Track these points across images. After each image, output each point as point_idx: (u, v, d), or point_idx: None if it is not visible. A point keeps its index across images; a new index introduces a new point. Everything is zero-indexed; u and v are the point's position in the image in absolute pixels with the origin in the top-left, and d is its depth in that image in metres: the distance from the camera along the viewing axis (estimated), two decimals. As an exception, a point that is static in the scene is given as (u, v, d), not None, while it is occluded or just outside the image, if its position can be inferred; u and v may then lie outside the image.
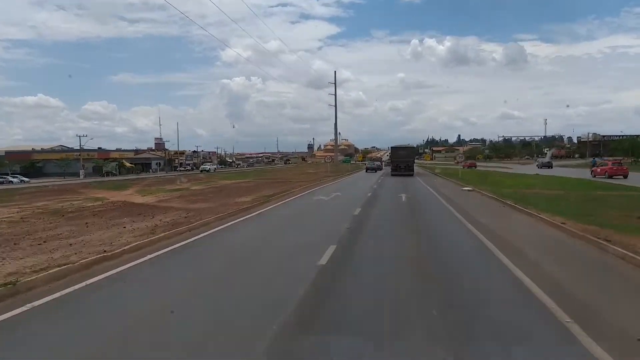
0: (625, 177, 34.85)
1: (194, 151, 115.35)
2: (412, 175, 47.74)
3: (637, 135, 79.66)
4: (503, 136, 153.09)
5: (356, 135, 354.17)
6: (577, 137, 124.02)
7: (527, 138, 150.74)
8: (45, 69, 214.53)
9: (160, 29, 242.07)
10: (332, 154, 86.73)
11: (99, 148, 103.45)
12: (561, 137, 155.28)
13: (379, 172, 60.72)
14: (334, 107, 72.07)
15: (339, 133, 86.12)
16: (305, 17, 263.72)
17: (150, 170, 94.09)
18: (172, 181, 47.42)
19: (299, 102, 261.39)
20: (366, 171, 65.76)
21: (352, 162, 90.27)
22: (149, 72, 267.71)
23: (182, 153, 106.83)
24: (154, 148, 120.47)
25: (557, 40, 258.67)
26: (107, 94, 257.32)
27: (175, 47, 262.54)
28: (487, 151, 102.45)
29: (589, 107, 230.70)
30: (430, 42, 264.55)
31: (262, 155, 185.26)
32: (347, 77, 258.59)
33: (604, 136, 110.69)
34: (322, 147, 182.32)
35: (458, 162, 36.76)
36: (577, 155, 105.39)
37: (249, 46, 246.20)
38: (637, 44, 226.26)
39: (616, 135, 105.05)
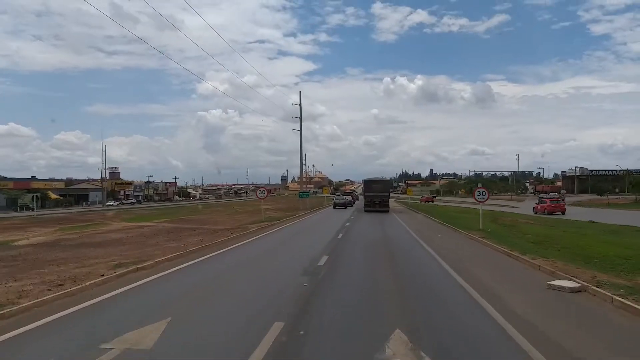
0: (563, 213, 35.15)
1: (147, 182, 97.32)
2: (387, 211, 39.99)
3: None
4: (474, 171, 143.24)
5: (331, 168, 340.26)
6: (562, 172, 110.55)
7: (497, 173, 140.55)
8: (18, 97, 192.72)
9: (138, 62, 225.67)
10: (279, 188, 70.97)
11: (32, 177, 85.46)
12: (530, 173, 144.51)
13: (349, 210, 45.81)
14: (300, 132, 56.72)
15: (313, 165, 70.70)
16: (283, 53, 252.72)
17: (85, 203, 76.24)
18: (52, 221, 30.63)
19: (275, 135, 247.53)
20: (334, 207, 50.93)
21: (317, 194, 73.46)
22: (126, 103, 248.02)
23: (130, 184, 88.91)
24: (107, 178, 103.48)
25: (523, 80, 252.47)
26: (81, 124, 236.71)
27: (153, 79, 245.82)
28: (480, 184, 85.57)
29: (554, 145, 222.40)
30: (402, 80, 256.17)
31: (233, 186, 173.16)
32: (322, 111, 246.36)
33: (592, 171, 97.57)
34: (296, 179, 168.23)
35: (480, 202, 21.17)
36: (563, 191, 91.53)
37: (226, 80, 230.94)
38: (599, 85, 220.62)
39: (605, 170, 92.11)
